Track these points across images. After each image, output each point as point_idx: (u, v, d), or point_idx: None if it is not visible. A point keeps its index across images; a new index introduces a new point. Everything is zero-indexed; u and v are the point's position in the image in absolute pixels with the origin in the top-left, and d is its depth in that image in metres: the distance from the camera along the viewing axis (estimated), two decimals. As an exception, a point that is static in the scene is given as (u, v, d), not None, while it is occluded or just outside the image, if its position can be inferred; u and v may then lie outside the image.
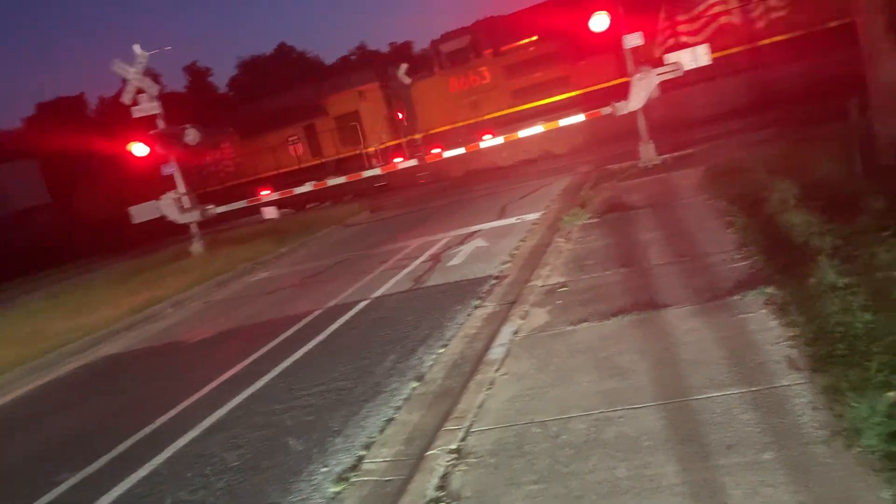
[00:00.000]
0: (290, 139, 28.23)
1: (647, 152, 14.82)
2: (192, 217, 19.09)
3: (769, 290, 5.45)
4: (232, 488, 5.03)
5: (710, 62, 14.48)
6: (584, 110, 16.84)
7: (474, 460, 4.20)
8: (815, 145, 10.08)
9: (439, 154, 18.93)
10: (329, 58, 71.44)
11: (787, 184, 8.19)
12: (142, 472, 5.72)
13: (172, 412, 7.03)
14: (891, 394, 3.42)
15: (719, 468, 3.44)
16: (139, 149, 18.25)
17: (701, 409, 4.04)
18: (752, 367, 4.39)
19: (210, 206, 19.48)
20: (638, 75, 14.44)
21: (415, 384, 6.05)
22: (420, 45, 67.72)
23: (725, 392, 4.16)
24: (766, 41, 19.36)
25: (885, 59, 7.70)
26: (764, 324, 4.95)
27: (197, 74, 66.95)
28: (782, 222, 6.93)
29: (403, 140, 25.22)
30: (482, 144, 18.92)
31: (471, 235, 12.62)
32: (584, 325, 6.01)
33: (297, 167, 27.88)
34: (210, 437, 6.13)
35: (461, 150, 18.62)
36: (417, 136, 24.89)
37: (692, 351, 4.89)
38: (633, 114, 14.79)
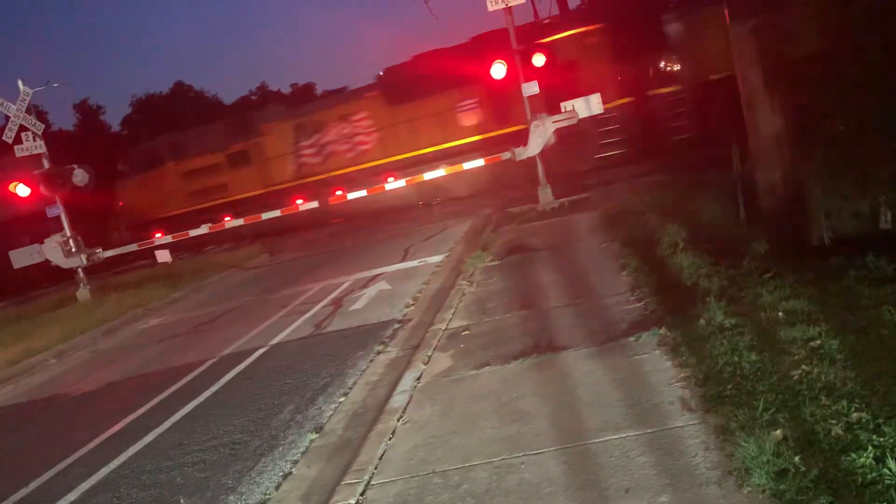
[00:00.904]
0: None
1: (546, 196, 15.26)
2: (78, 262, 18.07)
3: (661, 331, 5.63)
4: (113, 557, 4.66)
5: (602, 111, 15.15)
6: (483, 155, 17.21)
7: (374, 515, 4.07)
8: (702, 190, 10.64)
9: (343, 196, 18.80)
10: (228, 97, 70.12)
11: (677, 227, 8.58)
12: (11, 543, 5.23)
13: (50, 472, 6.50)
14: (777, 432, 3.55)
15: (618, 513, 3.46)
16: (22, 189, 17.23)
17: (599, 453, 4.08)
18: (648, 408, 4.48)
19: (97, 250, 18.52)
20: (535, 122, 14.91)
21: (314, 436, 5.85)
22: (323, 86, 67.58)
23: (622, 434, 4.22)
24: (655, 91, 20.47)
25: (761, 111, 8.24)
26: (658, 365, 5.09)
27: (88, 112, 64.24)
28: (673, 264, 7.24)
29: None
30: (387, 186, 18.94)
31: (374, 278, 12.51)
32: (487, 368, 6.02)
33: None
34: (91, 499, 5.70)
35: (363, 193, 18.56)
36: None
37: (590, 393, 4.96)
38: (531, 159, 15.23)
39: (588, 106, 14.77)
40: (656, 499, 3.48)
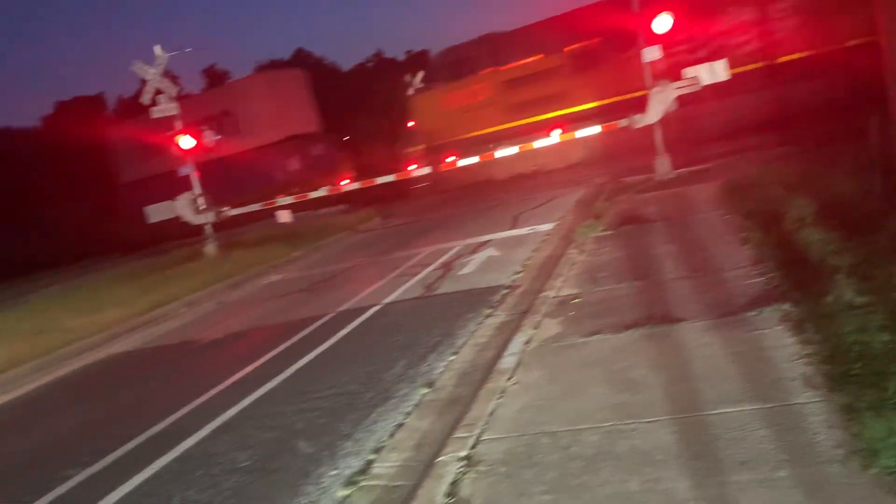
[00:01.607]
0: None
1: (663, 166, 14.80)
2: (207, 218, 19.19)
3: (785, 307, 5.41)
4: (240, 489, 5.03)
5: (729, 77, 14.45)
6: (601, 122, 16.85)
7: (484, 468, 4.18)
8: (833, 163, 10.03)
9: (453, 163, 18.96)
10: (346, 64, 71.55)
11: (805, 201, 8.14)
12: (150, 470, 5.73)
13: (182, 411, 7.04)
14: (909, 414, 3.38)
15: (732, 484, 3.41)
16: (186, 141, 18.35)
17: (714, 425, 4.01)
18: (767, 383, 4.35)
19: (224, 208, 19.59)
20: (656, 89, 14.43)
21: (425, 390, 6.04)
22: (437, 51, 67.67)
23: (739, 408, 4.13)
24: (785, 58, 19.32)
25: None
26: (779, 340, 4.91)
27: (215, 77, 67.36)
28: (799, 239, 6.89)
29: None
30: (496, 154, 18.91)
31: (483, 244, 12.61)
32: (597, 336, 5.99)
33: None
34: (220, 436, 6.14)
35: (475, 159, 18.64)
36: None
37: (706, 366, 4.85)
38: (649, 127, 14.78)
39: (713, 72, 14.12)
40: (774, 473, 3.40)
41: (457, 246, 13.10)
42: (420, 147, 25.61)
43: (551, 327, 6.58)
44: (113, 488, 5.52)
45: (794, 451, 3.54)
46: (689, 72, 14.45)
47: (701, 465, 3.64)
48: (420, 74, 35.64)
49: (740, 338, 5.17)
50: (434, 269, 11.44)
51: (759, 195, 9.63)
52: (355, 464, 4.96)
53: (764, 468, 3.47)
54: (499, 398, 5.17)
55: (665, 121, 14.83)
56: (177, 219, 19.54)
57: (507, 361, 5.89)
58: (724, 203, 10.21)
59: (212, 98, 33.74)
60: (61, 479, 5.97)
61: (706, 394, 4.42)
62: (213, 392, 7.46)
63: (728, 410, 4.13)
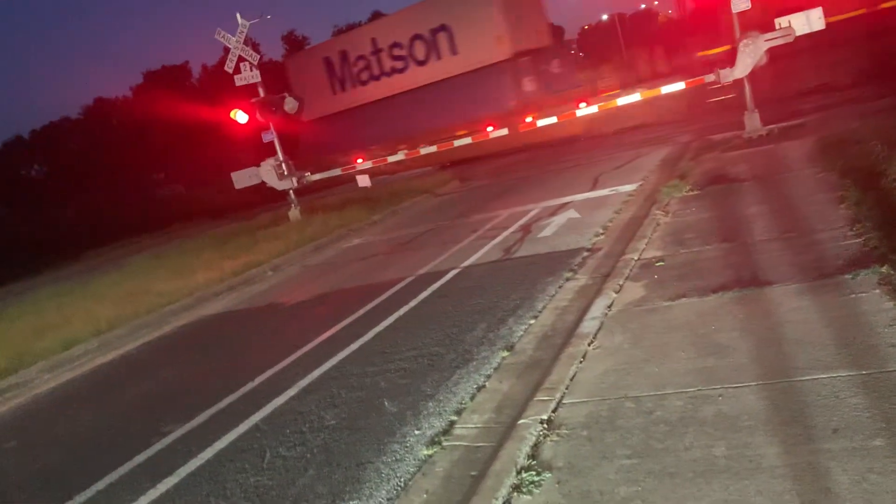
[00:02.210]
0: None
1: (753, 122, 14.16)
2: (290, 184, 19.67)
3: (884, 269, 5.14)
4: (328, 446, 5.23)
5: (825, 27, 13.62)
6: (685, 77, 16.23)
7: (566, 431, 4.20)
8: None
9: (532, 123, 18.69)
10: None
11: (908, 157, 7.66)
12: (243, 427, 6.02)
13: (271, 371, 7.34)
14: None
15: (824, 452, 3.31)
16: (241, 116, 18.86)
17: (805, 391, 3.89)
18: (863, 349, 4.17)
19: (306, 174, 20.01)
20: (744, 41, 13.75)
21: (505, 353, 6.09)
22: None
23: (833, 374, 3.98)
24: (887, 4, 18.04)
25: None
26: (877, 305, 4.69)
27: (295, 43, 68.32)
28: (901, 198, 6.51)
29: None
30: (578, 113, 18.53)
31: (563, 206, 12.46)
32: (682, 300, 5.86)
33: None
34: (307, 395, 6.38)
35: (553, 119, 18.32)
36: None
37: (797, 330, 4.69)
38: (738, 82, 14.15)
39: (808, 21, 13.32)
40: (869, 442, 3.28)
41: (536, 208, 12.99)
42: None
43: (634, 291, 6.48)
44: (209, 444, 5.83)
45: (891, 419, 3.41)
46: (782, 21, 13.68)
47: (791, 432, 3.55)
48: None
49: (835, 302, 4.97)
50: (513, 232, 11.41)
51: (857, 151, 9.10)
52: (438, 424, 5.07)
53: (858, 436, 3.35)
54: (580, 362, 5.16)
55: (754, 74, 14.14)
56: (262, 184, 20.10)
57: (589, 325, 5.85)
58: (819, 160, 9.73)
59: (422, 12, 27.71)
60: (161, 434, 6.35)
61: (797, 359, 4.28)
62: (299, 353, 7.73)
63: (820, 376, 3.99)
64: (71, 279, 21.04)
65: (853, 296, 4.96)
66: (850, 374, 3.94)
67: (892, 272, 5.05)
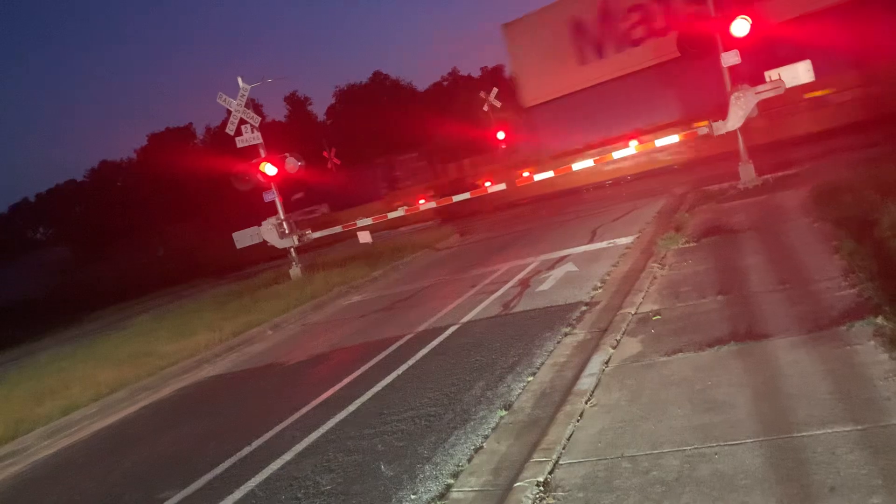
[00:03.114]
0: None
1: (747, 173, 14.32)
2: (291, 242, 19.79)
3: (878, 320, 5.14)
4: (323, 512, 5.14)
5: (813, 79, 13.88)
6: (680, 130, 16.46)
7: (562, 494, 4.14)
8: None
9: (529, 178, 18.90)
10: (421, 84, 72.67)
11: (900, 206, 7.71)
12: (238, 493, 5.93)
13: (269, 434, 7.27)
14: None
15: (823, 513, 3.26)
16: (269, 168, 19.04)
17: (802, 447, 3.84)
18: (859, 403, 4.13)
19: (307, 232, 20.15)
20: (736, 94, 14.00)
21: (503, 413, 6.03)
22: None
23: (829, 430, 3.94)
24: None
25: None
26: (873, 357, 4.66)
27: (296, 104, 69.73)
28: (893, 247, 6.53)
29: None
30: (574, 166, 18.75)
31: (561, 259, 12.50)
32: (679, 355, 5.84)
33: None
34: (304, 460, 6.30)
35: (550, 174, 18.54)
36: None
37: (794, 384, 4.66)
38: (731, 133, 14.35)
39: (796, 75, 13.60)
40: (866, 500, 3.23)
41: (534, 262, 13.03)
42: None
43: (631, 346, 6.45)
44: (205, 510, 5.74)
45: (888, 476, 3.36)
46: (772, 74, 13.96)
47: (788, 491, 3.49)
48: (495, 91, 35.87)
49: (831, 354, 4.94)
50: (512, 287, 11.42)
51: (851, 200, 9.18)
52: (434, 488, 5.00)
53: (855, 495, 3.30)
54: (577, 420, 5.11)
55: (746, 125, 14.35)
56: (264, 242, 20.22)
57: (586, 382, 5.81)
58: (813, 210, 9.79)
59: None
60: (158, 501, 6.26)
61: (794, 414, 4.24)
62: (297, 415, 7.66)
63: (817, 432, 3.95)
64: (72, 342, 21.00)
65: (848, 348, 4.94)
66: (847, 429, 3.90)
67: (886, 323, 5.04)
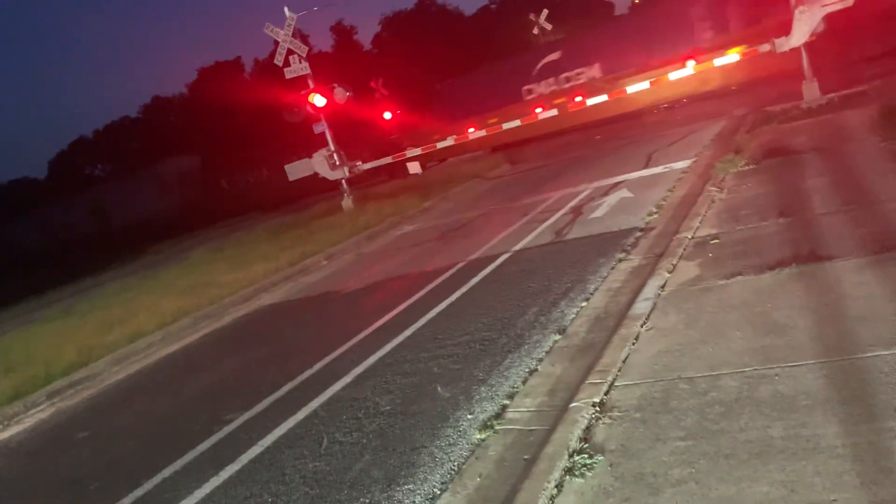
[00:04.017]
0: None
1: (812, 91, 13.69)
2: (342, 174, 19.90)
3: (952, 240, 4.93)
4: (383, 431, 5.31)
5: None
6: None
7: (619, 414, 4.17)
8: None
9: (582, 102, 18.44)
10: (469, 8, 70.94)
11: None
12: (301, 414, 6.16)
13: (328, 359, 7.48)
14: None
15: (886, 431, 3.21)
16: (318, 99, 19.08)
17: (867, 369, 3.77)
18: (929, 325, 4.02)
19: (358, 163, 20.20)
20: (801, 8, 13.26)
21: (557, 337, 6.06)
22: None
23: (894, 351, 3.85)
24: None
25: None
26: (945, 278, 4.50)
27: (343, 33, 68.81)
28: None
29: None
30: (628, 89, 18.19)
31: (615, 186, 12.29)
32: (738, 278, 5.73)
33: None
34: (363, 382, 6.48)
35: (604, 98, 18.04)
36: None
37: (859, 306, 4.54)
38: (795, 50, 13.66)
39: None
40: (935, 421, 3.17)
41: (587, 189, 12.84)
42: None
43: (688, 270, 6.36)
44: (269, 431, 5.99)
45: (960, 397, 3.28)
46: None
47: (850, 411, 3.45)
48: (545, 13, 34.73)
49: (895, 275, 4.78)
50: (564, 214, 11.31)
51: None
52: (490, 408, 5.10)
53: (923, 415, 3.24)
54: (633, 344, 5.10)
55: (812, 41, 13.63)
56: (315, 175, 20.39)
57: (642, 306, 5.78)
58: (882, 129, 9.33)
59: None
60: (223, 422, 6.55)
61: (858, 336, 4.15)
62: (354, 340, 7.85)
63: (882, 353, 3.86)
64: (136, 273, 21.79)
65: (918, 269, 4.77)
66: (915, 350, 3.80)
67: (960, 243, 4.83)
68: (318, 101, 19.10)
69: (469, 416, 5.07)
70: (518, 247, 10.01)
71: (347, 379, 6.67)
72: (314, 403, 6.30)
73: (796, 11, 13.35)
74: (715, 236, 7.06)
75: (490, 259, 9.72)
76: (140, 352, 10.80)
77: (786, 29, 13.78)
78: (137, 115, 75.59)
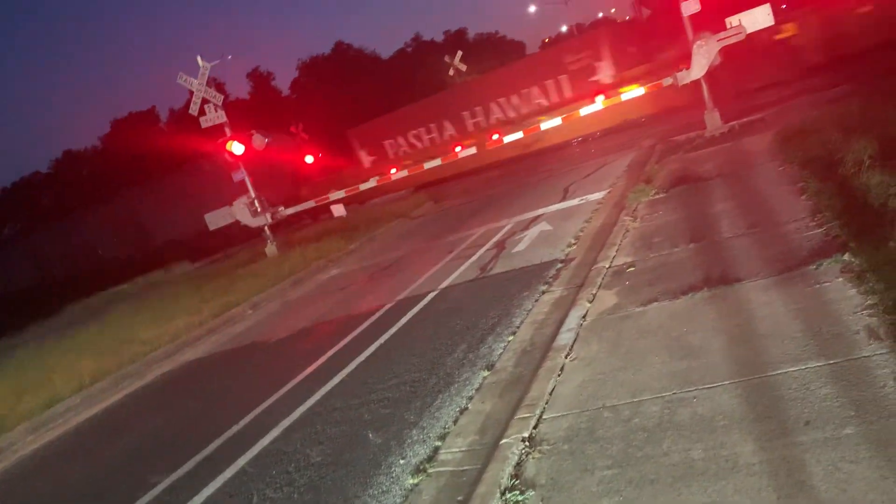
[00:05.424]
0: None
1: (713, 121, 14.42)
2: (264, 220, 19.63)
3: (845, 257, 5.25)
4: (315, 484, 5.20)
5: (773, 23, 13.92)
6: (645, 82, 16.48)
7: (547, 447, 4.22)
8: (892, 97, 9.59)
9: (500, 140, 18.86)
10: (385, 52, 71.75)
11: (863, 142, 7.82)
12: (230, 471, 5.97)
13: (256, 411, 7.30)
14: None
15: (797, 445, 3.36)
16: (237, 147, 18.79)
17: (777, 385, 3.94)
18: (830, 338, 4.24)
19: (280, 208, 20.00)
20: (698, 42, 14.02)
21: (486, 373, 6.10)
22: (474, 30, 67.51)
23: (802, 366, 4.05)
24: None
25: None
26: (841, 293, 4.77)
27: (260, 79, 68.43)
28: (858, 184, 6.64)
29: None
30: (542, 126, 18.72)
31: (535, 219, 12.56)
32: (654, 304, 5.92)
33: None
34: (292, 434, 6.34)
35: (519, 135, 18.51)
36: None
37: (766, 325, 4.76)
38: (696, 82, 14.40)
39: (755, 19, 13.63)
40: (840, 431, 3.34)
41: (509, 223, 13.08)
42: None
43: (607, 299, 6.54)
44: (196, 492, 5.78)
45: (860, 406, 3.47)
46: (732, 20, 13.97)
47: (765, 428, 3.60)
48: (459, 54, 35.53)
49: (801, 293, 5.05)
50: (488, 249, 11.47)
51: (815, 141, 9.29)
52: (422, 451, 5.07)
53: (829, 426, 3.40)
54: (558, 375, 5.19)
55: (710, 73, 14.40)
56: (236, 222, 20.05)
57: (565, 337, 5.89)
58: (779, 153, 9.90)
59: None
60: (148, 485, 6.28)
61: (768, 354, 4.34)
62: (283, 391, 7.69)
63: (791, 370, 4.05)
64: (54, 333, 20.76)
65: (818, 286, 5.05)
66: (819, 364, 4.00)
67: (853, 259, 5.15)
68: (237, 148, 18.89)
69: (401, 462, 5.02)
70: (444, 284, 10.07)
71: (276, 432, 6.51)
72: (242, 460, 6.11)
73: (694, 46, 14.10)
74: (631, 264, 7.29)
75: (417, 298, 9.73)
76: (57, 417, 10.25)
77: (685, 62, 14.54)
78: (48, 170, 72.82)
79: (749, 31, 13.68)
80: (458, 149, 20.14)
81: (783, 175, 8.73)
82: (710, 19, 14.53)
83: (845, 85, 13.79)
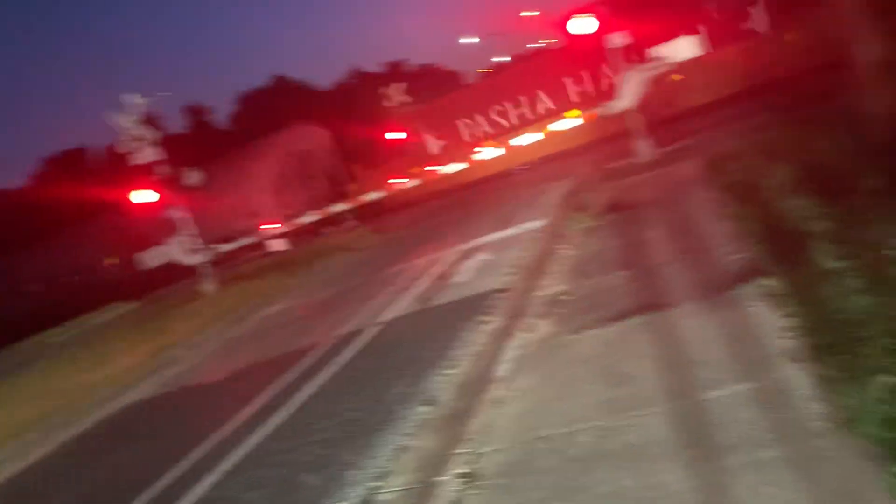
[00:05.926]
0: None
1: (645, 148, 14.84)
2: (200, 258, 19.28)
3: (767, 281, 5.44)
4: (252, 531, 5.07)
5: (700, 53, 14.50)
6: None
7: (485, 483, 4.23)
8: (812, 125, 10.04)
9: (434, 172, 19.04)
10: (325, 83, 71.90)
11: (783, 168, 8.18)
12: (165, 521, 5.78)
13: (192, 457, 7.08)
14: (883, 378, 3.41)
15: (723, 470, 3.44)
16: (139, 196, 18.46)
17: (703, 411, 4.05)
18: (753, 362, 4.39)
19: (217, 246, 19.68)
20: (624, 74, 14.48)
21: (425, 408, 6.06)
22: (415, 61, 68.27)
23: (728, 390, 4.17)
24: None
25: (864, 40, 7.76)
26: (763, 317, 4.95)
27: (196, 113, 67.59)
28: (777, 209, 6.93)
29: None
30: (483, 156, 18.97)
31: (476, 249, 12.64)
32: (589, 332, 6.03)
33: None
34: (229, 480, 6.18)
35: (463, 166, 18.72)
36: None
37: (694, 350, 4.89)
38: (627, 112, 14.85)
39: (683, 50, 14.18)
40: (762, 454, 3.44)
41: (450, 253, 13.12)
42: None
43: (543, 327, 6.62)
44: (129, 545, 5.56)
45: (781, 428, 3.59)
46: (658, 51, 14.50)
47: (692, 454, 3.68)
48: (400, 85, 35.74)
49: (726, 318, 5.22)
50: (429, 281, 11.47)
51: (739, 167, 9.67)
52: (360, 492, 4.99)
53: (752, 450, 3.50)
54: (495, 408, 5.22)
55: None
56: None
57: (503, 368, 5.95)
58: (706, 179, 10.25)
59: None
60: (78, 541, 6.02)
61: (694, 380, 4.46)
62: (221, 434, 7.48)
63: (716, 395, 4.17)
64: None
65: (741, 310, 5.22)
66: (743, 388, 4.13)
67: (773, 283, 5.34)
68: (138, 197, 18.57)
69: (340, 504, 4.94)
70: (386, 318, 10.02)
71: (213, 478, 6.33)
72: (178, 509, 5.93)
73: (621, 76, 14.56)
74: (566, 292, 7.41)
75: (358, 333, 9.65)
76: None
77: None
78: (-28, 211, 70.13)
79: (677, 60, 14.20)
80: (400, 180, 20.23)
81: (708, 201, 9.03)
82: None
83: (766, 113, 14.37)
